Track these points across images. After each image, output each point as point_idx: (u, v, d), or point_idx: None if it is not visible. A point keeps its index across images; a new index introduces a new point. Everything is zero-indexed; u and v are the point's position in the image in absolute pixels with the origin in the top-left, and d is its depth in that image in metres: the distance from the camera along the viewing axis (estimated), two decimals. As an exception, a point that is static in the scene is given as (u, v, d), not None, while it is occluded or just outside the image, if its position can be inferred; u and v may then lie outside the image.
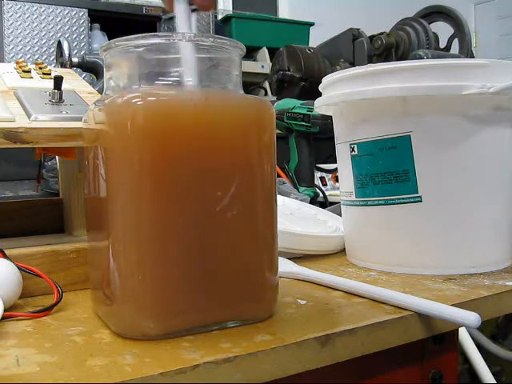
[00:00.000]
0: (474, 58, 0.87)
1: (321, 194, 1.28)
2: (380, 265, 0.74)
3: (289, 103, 1.28)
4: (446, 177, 0.70)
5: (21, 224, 0.79)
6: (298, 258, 0.79)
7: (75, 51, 2.85)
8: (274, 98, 1.84)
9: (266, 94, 3.19)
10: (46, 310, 0.56)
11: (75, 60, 1.54)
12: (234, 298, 0.52)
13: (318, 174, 1.60)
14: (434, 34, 1.69)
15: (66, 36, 2.86)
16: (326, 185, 1.61)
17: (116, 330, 0.50)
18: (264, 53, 3.27)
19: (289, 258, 0.75)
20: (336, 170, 1.16)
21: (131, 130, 0.47)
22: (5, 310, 0.53)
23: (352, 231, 0.80)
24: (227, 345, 0.47)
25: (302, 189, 1.24)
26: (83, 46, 2.94)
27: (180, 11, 0.53)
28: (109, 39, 0.52)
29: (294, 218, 0.90)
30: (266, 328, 0.52)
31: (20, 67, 0.83)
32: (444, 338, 0.65)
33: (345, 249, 0.83)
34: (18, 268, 0.57)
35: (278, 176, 1.23)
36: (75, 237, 0.75)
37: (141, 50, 0.51)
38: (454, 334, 0.69)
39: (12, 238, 0.74)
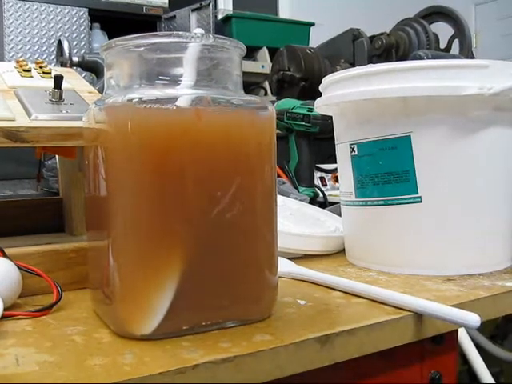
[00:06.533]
0: (474, 59, 0.87)
1: (320, 194, 1.28)
2: (380, 265, 0.74)
3: (289, 103, 1.28)
4: (446, 177, 0.70)
5: (20, 223, 0.79)
6: (298, 258, 0.79)
7: (75, 50, 2.85)
8: (274, 98, 1.84)
9: (266, 94, 3.19)
10: (46, 310, 0.56)
11: (75, 59, 1.54)
12: (234, 298, 0.52)
13: (317, 174, 1.60)
14: (435, 34, 1.69)
15: (67, 35, 2.86)
16: (325, 185, 1.60)
17: (115, 329, 0.50)
18: (264, 53, 3.27)
19: (288, 258, 0.75)
20: (336, 170, 1.16)
21: (131, 130, 0.47)
22: (4, 309, 0.53)
23: (352, 231, 0.80)
24: (227, 344, 0.47)
25: (301, 189, 1.24)
26: (83, 46, 2.94)
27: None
28: (109, 39, 0.52)
29: (294, 218, 0.90)
30: (266, 328, 0.52)
31: (20, 66, 0.83)
32: (443, 339, 0.65)
33: (344, 249, 0.83)
34: (18, 267, 0.57)
35: (278, 176, 1.23)
36: (75, 236, 0.75)
37: (141, 49, 0.51)
38: (454, 334, 0.69)
39: (12, 237, 0.74)
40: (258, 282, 0.54)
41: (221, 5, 3.77)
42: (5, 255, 0.58)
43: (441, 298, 0.60)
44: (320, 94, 0.82)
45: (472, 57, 1.76)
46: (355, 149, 0.75)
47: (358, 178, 0.75)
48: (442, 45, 1.73)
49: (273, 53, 2.25)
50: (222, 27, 3.28)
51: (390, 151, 0.71)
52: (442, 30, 1.79)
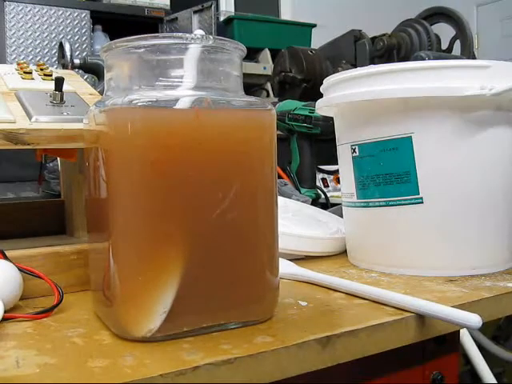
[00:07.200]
0: (475, 59, 0.87)
1: (322, 196, 1.28)
2: (381, 266, 0.74)
3: (291, 104, 1.28)
4: (447, 178, 0.70)
5: (22, 225, 0.79)
6: (299, 259, 0.79)
7: (77, 53, 2.85)
8: (276, 100, 1.84)
9: (268, 95, 3.19)
10: (47, 312, 0.56)
11: (77, 61, 1.54)
12: (235, 300, 0.52)
13: (319, 176, 1.60)
14: (436, 35, 1.69)
15: (68, 37, 2.86)
16: (327, 186, 1.60)
17: (116, 331, 0.50)
18: (266, 54, 3.28)
19: (290, 260, 0.75)
20: (338, 171, 1.16)
21: (131, 132, 0.47)
22: (5, 312, 0.53)
23: (353, 232, 0.80)
24: (227, 346, 0.47)
25: (303, 190, 1.24)
26: (85, 48, 2.95)
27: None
28: (111, 41, 0.52)
29: (296, 219, 0.89)
30: (267, 329, 0.52)
31: (21, 68, 0.83)
32: (445, 340, 0.65)
33: (346, 250, 0.83)
34: (19, 269, 0.57)
35: (280, 177, 1.23)
36: (76, 238, 0.75)
37: (141, 50, 0.51)
38: (456, 335, 0.69)
39: (13, 240, 0.74)
40: (259, 283, 0.53)
41: (223, 6, 3.78)
42: (6, 257, 0.58)
43: (442, 299, 0.60)
44: (321, 96, 0.82)
45: (473, 57, 1.76)
46: (356, 150, 0.75)
47: (360, 178, 0.75)
48: (444, 46, 1.72)
49: (275, 54, 2.26)
50: (224, 29, 3.28)
51: (391, 152, 0.71)
52: (444, 31, 1.79)
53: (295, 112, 1.25)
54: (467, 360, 1.30)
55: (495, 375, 1.30)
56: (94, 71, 1.59)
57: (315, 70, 1.73)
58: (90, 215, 0.58)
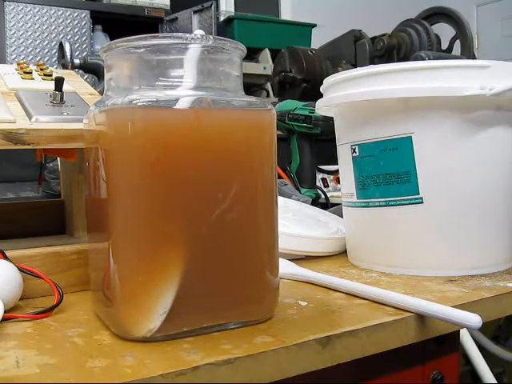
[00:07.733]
0: (475, 59, 0.87)
1: (322, 196, 1.27)
2: (381, 266, 0.74)
3: (291, 105, 1.28)
4: (447, 178, 0.70)
5: (22, 225, 0.79)
6: (299, 259, 0.79)
7: (77, 53, 2.85)
8: (276, 100, 1.84)
9: (268, 95, 3.19)
10: (47, 312, 0.56)
11: (77, 61, 1.54)
12: (235, 300, 0.52)
13: (319, 176, 1.59)
14: (436, 35, 1.69)
15: (68, 37, 2.86)
16: (327, 186, 1.60)
17: (116, 331, 0.50)
18: (266, 54, 3.27)
19: (290, 260, 0.75)
20: (338, 171, 1.16)
21: (131, 132, 0.47)
22: (5, 312, 0.53)
23: (353, 232, 0.80)
24: (228, 346, 0.47)
25: (303, 190, 1.24)
26: (85, 48, 2.95)
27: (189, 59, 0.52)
28: (111, 41, 0.52)
29: (296, 219, 0.89)
30: (267, 329, 0.52)
31: (21, 68, 0.83)
32: (445, 340, 0.65)
33: (346, 250, 0.83)
34: (19, 269, 0.57)
35: (280, 177, 1.23)
36: (76, 238, 0.75)
37: (141, 50, 0.51)
38: (456, 335, 0.69)
39: (13, 240, 0.74)
40: (259, 283, 0.53)
41: (223, 6, 3.78)
42: (6, 257, 0.58)
43: (442, 299, 0.60)
44: (321, 96, 0.82)
45: (474, 57, 1.76)
46: (356, 150, 0.75)
47: (360, 178, 0.75)
48: (444, 46, 1.72)
49: (275, 54, 2.25)
50: (224, 29, 3.28)
51: (391, 152, 0.71)
52: (444, 31, 1.79)
53: (295, 112, 1.25)
54: (467, 360, 1.30)
55: (495, 375, 1.30)
56: (93, 71, 1.59)
57: (315, 69, 1.73)
58: (90, 215, 0.58)
